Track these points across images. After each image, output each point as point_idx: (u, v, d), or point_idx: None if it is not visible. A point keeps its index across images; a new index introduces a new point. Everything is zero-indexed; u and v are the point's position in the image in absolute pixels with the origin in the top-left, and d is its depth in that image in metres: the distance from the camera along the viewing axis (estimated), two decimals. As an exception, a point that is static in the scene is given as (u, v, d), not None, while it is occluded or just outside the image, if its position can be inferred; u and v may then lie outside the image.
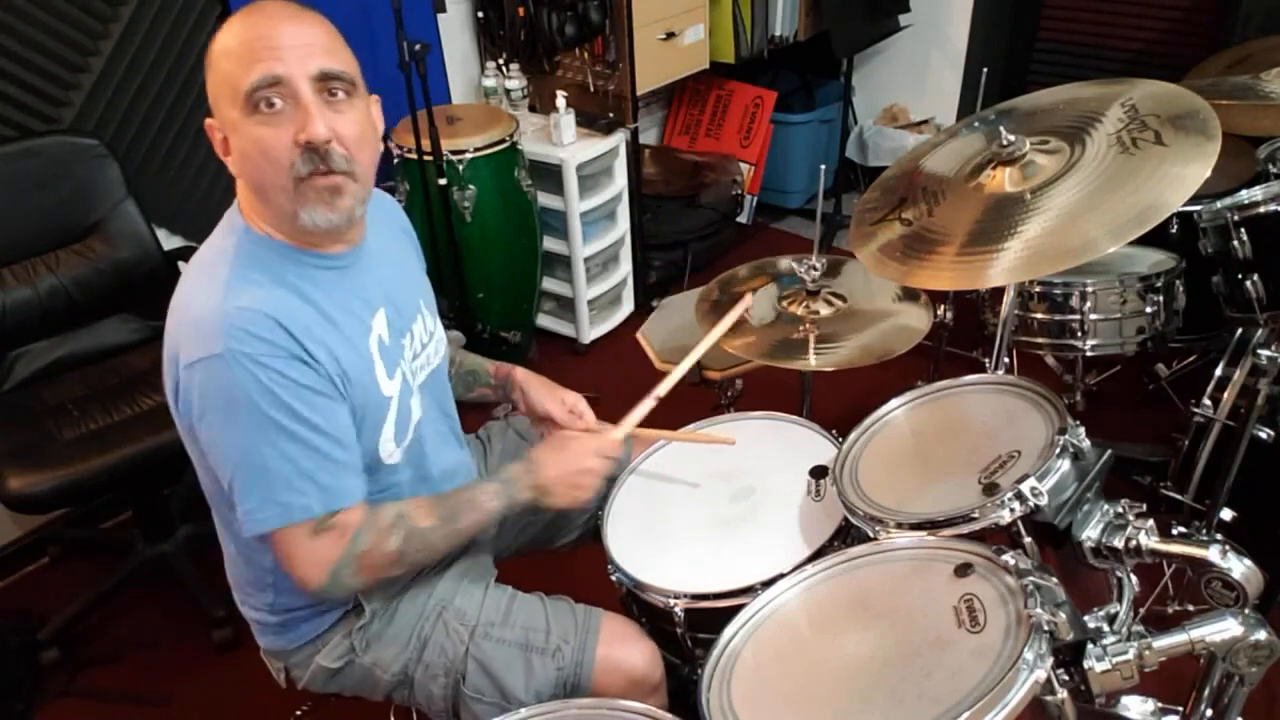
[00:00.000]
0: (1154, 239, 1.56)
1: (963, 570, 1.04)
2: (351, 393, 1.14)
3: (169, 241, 2.39)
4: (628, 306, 3.24)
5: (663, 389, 1.47)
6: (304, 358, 1.08)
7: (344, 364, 1.13)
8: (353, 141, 1.08)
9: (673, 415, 1.62)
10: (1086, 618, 1.06)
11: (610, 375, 1.90)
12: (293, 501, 1.09)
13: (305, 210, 1.08)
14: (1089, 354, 1.93)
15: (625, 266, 3.17)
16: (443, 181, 2.52)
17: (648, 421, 1.46)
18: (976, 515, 1.12)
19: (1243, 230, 1.65)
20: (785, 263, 1.86)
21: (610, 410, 1.55)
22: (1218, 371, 1.81)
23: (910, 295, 1.74)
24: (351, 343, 1.16)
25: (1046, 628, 0.92)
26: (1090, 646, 0.98)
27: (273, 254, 1.13)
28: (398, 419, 1.21)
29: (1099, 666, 0.98)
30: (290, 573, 1.14)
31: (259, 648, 1.35)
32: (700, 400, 1.92)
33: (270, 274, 1.11)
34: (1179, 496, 1.87)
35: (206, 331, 1.04)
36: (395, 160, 2.64)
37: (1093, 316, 1.87)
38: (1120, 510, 1.15)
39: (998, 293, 1.98)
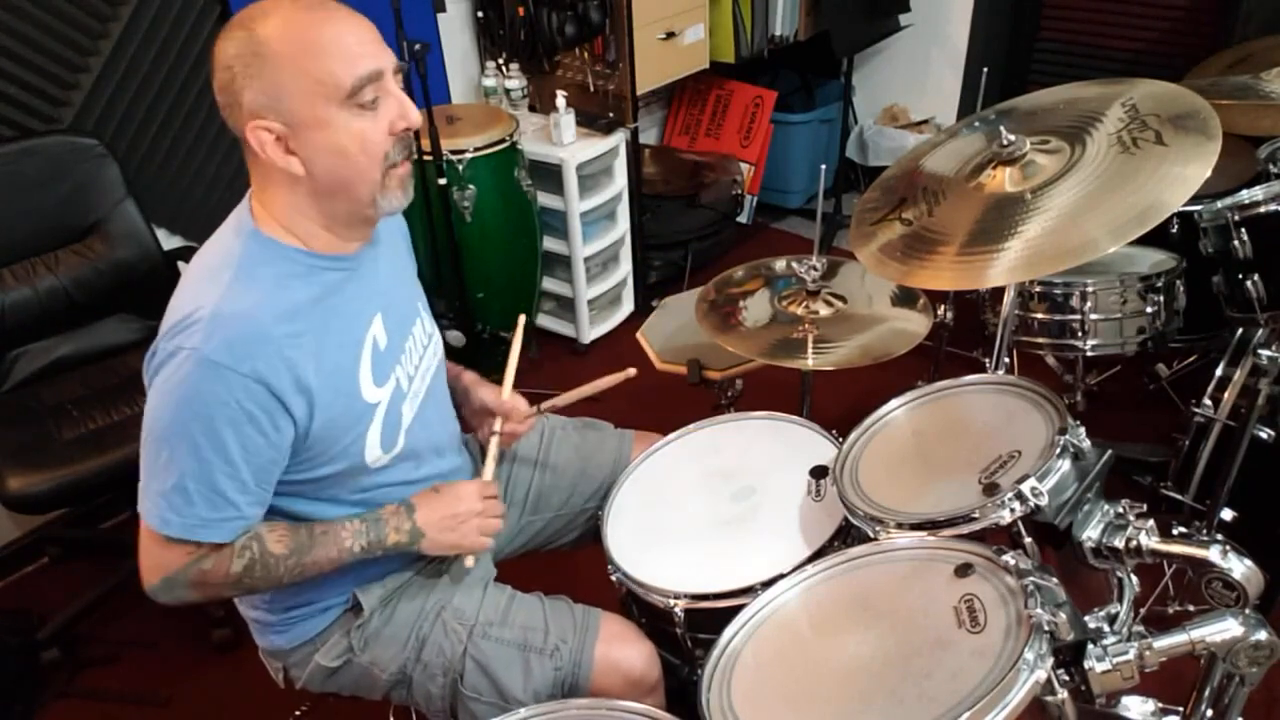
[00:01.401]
0: (1154, 239, 1.56)
1: (963, 570, 1.04)
2: (323, 405, 1.12)
3: (169, 241, 2.39)
4: (628, 306, 3.24)
5: (547, 405, 1.49)
6: (267, 381, 1.06)
7: (323, 375, 1.12)
8: None
9: (672, 415, 1.62)
10: (1087, 618, 1.06)
11: (610, 375, 1.92)
12: (158, 510, 1.08)
13: (384, 196, 1.13)
14: (1089, 354, 1.93)
15: (625, 266, 3.17)
16: (443, 181, 2.52)
17: (541, 394, 1.48)
18: (977, 515, 1.12)
19: (1243, 230, 1.65)
20: (781, 264, 1.86)
21: (610, 411, 1.55)
22: (1218, 371, 1.81)
23: (909, 296, 1.74)
24: (342, 350, 1.16)
25: (1047, 628, 0.92)
26: (1091, 647, 0.98)
27: (281, 258, 1.13)
28: (385, 424, 1.21)
29: (1099, 667, 0.98)
30: (138, 561, 1.13)
31: (258, 648, 1.35)
32: (700, 400, 1.92)
33: (276, 276, 1.11)
34: (1179, 497, 1.87)
35: (193, 325, 1.05)
36: (395, 160, 2.64)
37: (1093, 316, 1.87)
38: (1120, 510, 1.15)
39: (998, 293, 1.98)
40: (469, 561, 1.31)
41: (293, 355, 1.08)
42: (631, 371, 1.47)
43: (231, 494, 1.10)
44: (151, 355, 1.09)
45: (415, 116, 1.11)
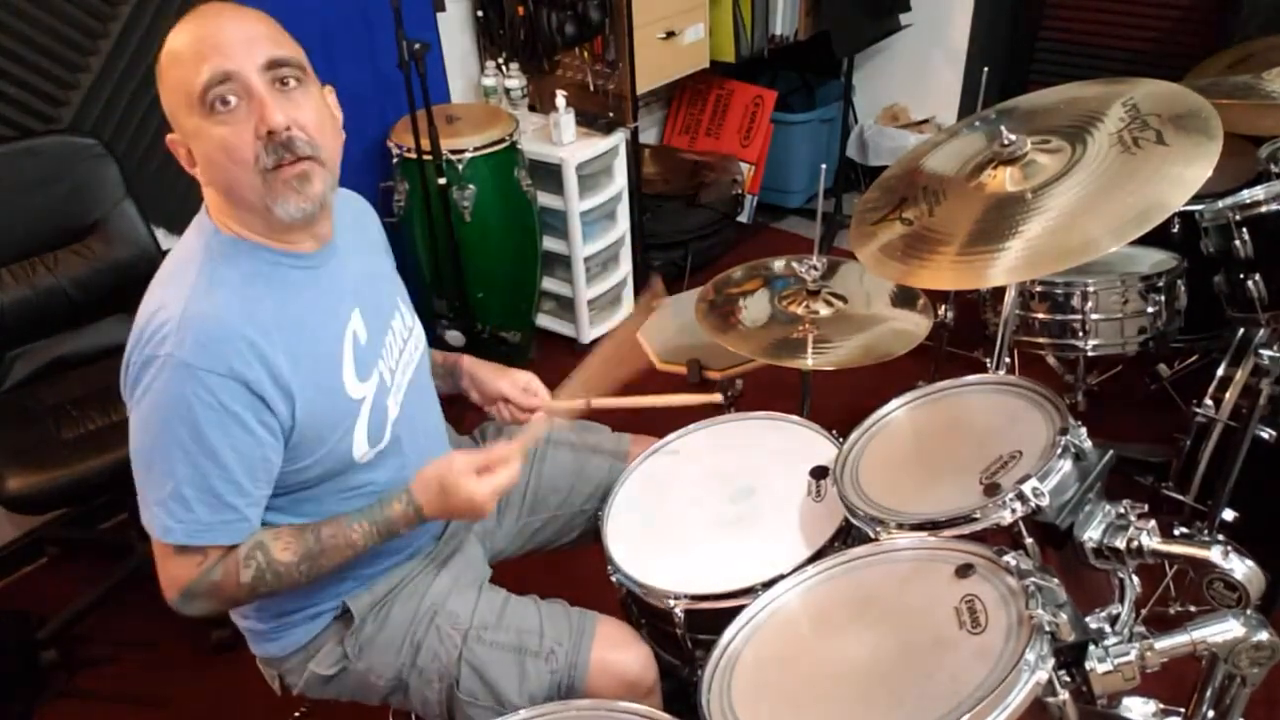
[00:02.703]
0: (1155, 239, 1.56)
1: (964, 571, 1.04)
2: (305, 401, 1.11)
3: (167, 241, 2.38)
4: (628, 306, 3.24)
5: (599, 403, 1.47)
6: (245, 378, 1.06)
7: (303, 371, 1.11)
8: (313, 127, 1.07)
9: (672, 415, 1.61)
10: (1088, 619, 1.06)
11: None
12: (160, 520, 1.08)
13: (278, 203, 1.07)
14: (1090, 354, 1.93)
15: (625, 266, 3.16)
16: (442, 181, 2.52)
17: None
18: (978, 516, 1.12)
19: (1244, 230, 1.65)
20: (781, 264, 1.86)
21: (609, 408, 1.54)
22: (1219, 371, 1.81)
23: (909, 296, 1.74)
24: (318, 347, 1.15)
25: (1048, 629, 0.91)
26: (1092, 647, 0.98)
27: (244, 255, 1.11)
28: (371, 419, 1.20)
29: (1101, 668, 0.97)
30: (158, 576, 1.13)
31: (255, 653, 1.35)
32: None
33: (241, 275, 1.10)
34: (1181, 497, 1.87)
35: (162, 332, 1.04)
36: (395, 160, 2.64)
37: (1094, 316, 1.87)
38: (1122, 511, 1.15)
39: (999, 292, 1.98)
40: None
41: (267, 352, 1.08)
42: (657, 287, 1.45)
43: (228, 496, 1.09)
44: (126, 369, 1.09)
45: (274, 119, 1.02)
